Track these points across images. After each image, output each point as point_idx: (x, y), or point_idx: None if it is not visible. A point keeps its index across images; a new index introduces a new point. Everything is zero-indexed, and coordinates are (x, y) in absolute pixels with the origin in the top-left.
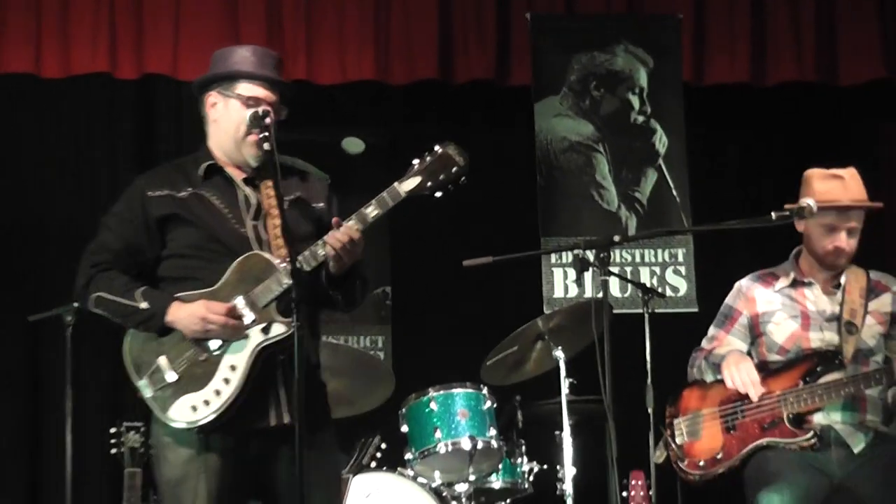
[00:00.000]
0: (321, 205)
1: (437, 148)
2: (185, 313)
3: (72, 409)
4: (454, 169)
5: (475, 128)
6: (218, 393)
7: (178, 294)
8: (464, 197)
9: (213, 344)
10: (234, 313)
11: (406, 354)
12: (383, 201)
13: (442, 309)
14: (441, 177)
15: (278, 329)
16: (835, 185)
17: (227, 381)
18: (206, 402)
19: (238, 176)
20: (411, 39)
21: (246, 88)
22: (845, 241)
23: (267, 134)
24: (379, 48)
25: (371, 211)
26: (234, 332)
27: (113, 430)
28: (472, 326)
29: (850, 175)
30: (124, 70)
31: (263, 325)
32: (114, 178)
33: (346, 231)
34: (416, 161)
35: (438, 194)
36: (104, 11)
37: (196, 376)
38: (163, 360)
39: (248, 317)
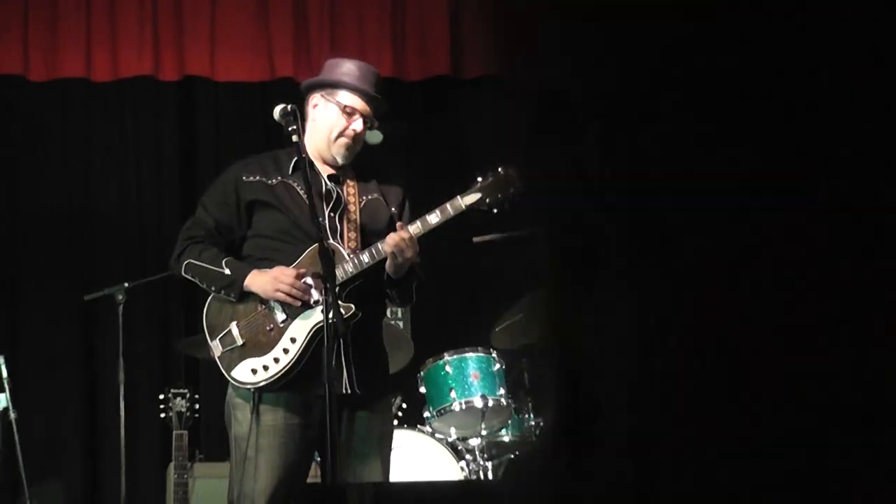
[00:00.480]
0: (393, 208)
1: (499, 168)
2: (261, 280)
3: (123, 378)
4: (511, 189)
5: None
6: (276, 360)
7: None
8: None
9: (280, 316)
10: (304, 280)
11: (423, 324)
12: (446, 211)
13: (455, 282)
14: (499, 195)
15: (339, 311)
16: None
17: (286, 350)
18: (266, 368)
19: (325, 171)
20: (425, 39)
21: (345, 97)
22: None
23: (295, 128)
24: (396, 47)
25: (433, 218)
26: (300, 296)
27: (161, 397)
28: (482, 297)
29: None
30: (167, 73)
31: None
32: (158, 172)
33: (404, 233)
34: (479, 178)
35: (495, 210)
36: (148, 20)
37: (260, 343)
38: (234, 326)
39: (315, 296)
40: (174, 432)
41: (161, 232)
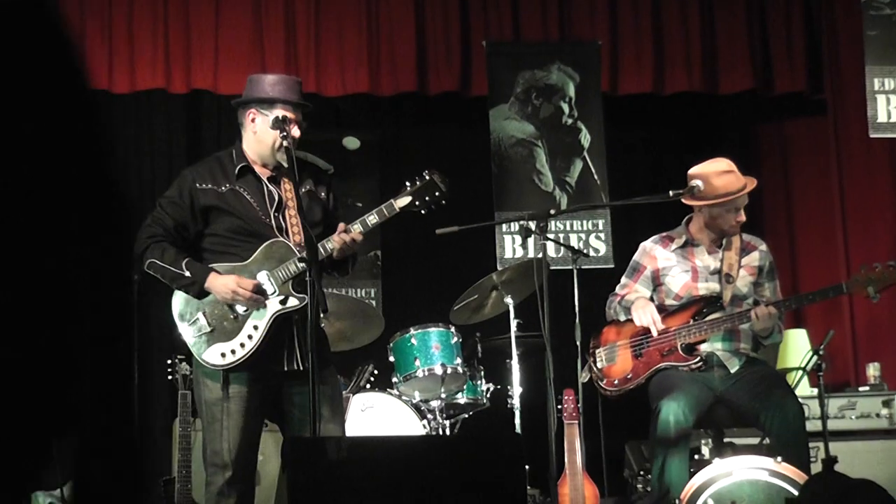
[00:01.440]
0: (323, 194)
1: (425, 174)
2: (220, 283)
3: (138, 347)
4: (437, 193)
5: (444, 128)
6: (242, 346)
7: (215, 265)
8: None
9: (241, 308)
10: (258, 289)
11: (392, 302)
12: (381, 213)
13: (420, 267)
14: (427, 198)
15: (293, 301)
16: (731, 178)
17: (250, 336)
18: (233, 352)
19: (264, 174)
20: (395, 61)
21: (282, 111)
22: (744, 216)
23: (286, 134)
24: (371, 67)
25: (371, 219)
26: (255, 303)
27: (169, 362)
28: (442, 280)
29: (732, 165)
30: (176, 86)
31: (282, 297)
32: (169, 172)
33: (350, 234)
34: (408, 183)
35: (423, 212)
36: (160, 40)
37: (226, 330)
38: (201, 315)
39: (270, 289)
40: (179, 392)
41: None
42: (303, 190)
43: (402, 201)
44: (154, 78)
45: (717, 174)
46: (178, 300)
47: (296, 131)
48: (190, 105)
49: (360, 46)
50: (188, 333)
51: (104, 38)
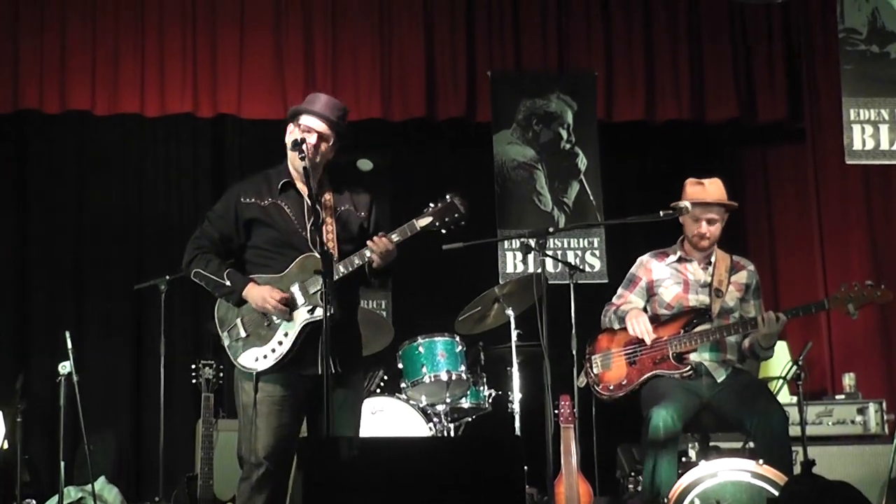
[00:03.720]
0: (363, 214)
1: (447, 196)
2: (256, 293)
3: (164, 351)
4: (457, 215)
5: (451, 151)
6: (274, 351)
7: (254, 276)
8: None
9: (274, 317)
10: (287, 300)
11: (402, 313)
12: (404, 231)
13: (427, 280)
14: (447, 219)
15: (320, 312)
16: (698, 189)
17: (280, 343)
18: (265, 356)
19: (304, 190)
20: (406, 88)
21: (304, 119)
22: (706, 228)
23: (304, 154)
24: (383, 94)
25: (394, 237)
26: (282, 314)
27: (193, 367)
28: (448, 292)
29: (711, 182)
30: (203, 110)
31: (310, 307)
32: (195, 190)
33: (385, 242)
34: (431, 204)
35: (444, 231)
36: (189, 67)
37: (260, 336)
38: (239, 322)
39: (301, 300)
40: (203, 395)
41: None
42: (341, 208)
43: (424, 221)
44: (183, 102)
45: (691, 183)
46: (220, 307)
47: (312, 138)
48: (215, 128)
49: (373, 75)
50: (227, 338)
51: (136, 63)
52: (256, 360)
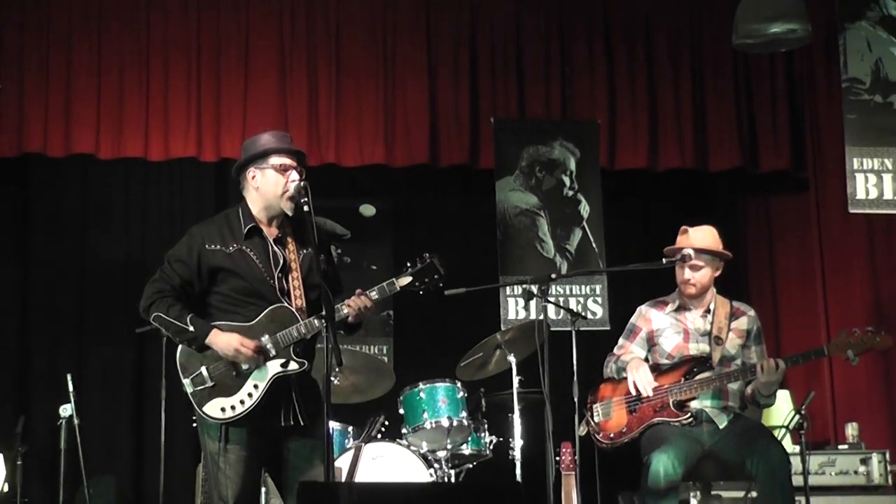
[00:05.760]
0: (322, 256)
1: (426, 256)
2: (223, 340)
3: (165, 394)
4: (436, 276)
5: (454, 198)
6: (242, 402)
7: (217, 323)
8: (446, 247)
9: (244, 365)
10: (260, 350)
11: (403, 358)
12: (383, 290)
13: (429, 326)
14: (426, 280)
15: (293, 366)
16: (683, 238)
17: (250, 395)
18: (233, 407)
19: (271, 235)
20: (409, 135)
21: (276, 160)
22: (690, 274)
23: (307, 199)
24: (387, 140)
25: (373, 294)
26: (255, 362)
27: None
28: (450, 338)
29: (698, 230)
30: (207, 154)
31: (283, 360)
32: None
33: (363, 301)
34: (409, 264)
35: (421, 292)
36: (193, 113)
37: (227, 386)
38: (204, 370)
39: (272, 351)
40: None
41: None
42: (304, 252)
43: (403, 281)
44: (186, 146)
45: (680, 232)
46: (182, 352)
47: (294, 175)
48: (219, 172)
49: (376, 120)
50: (189, 385)
51: (141, 108)
52: (223, 409)
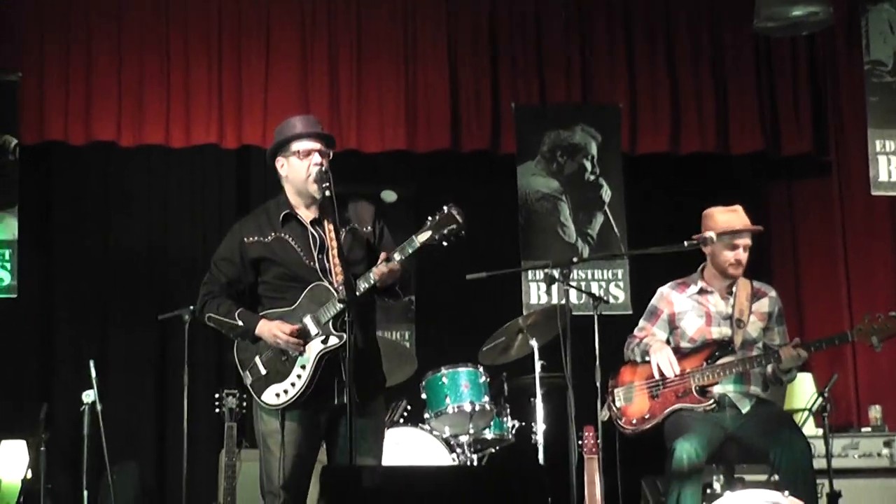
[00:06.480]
0: (368, 228)
1: (444, 208)
2: (266, 329)
3: (187, 381)
4: (455, 226)
5: (476, 183)
6: (293, 385)
7: (265, 312)
8: (468, 231)
9: (291, 350)
10: (299, 332)
11: (425, 343)
12: (404, 249)
13: (451, 311)
14: (445, 231)
15: (333, 340)
16: (732, 216)
17: (299, 376)
18: (286, 392)
19: (307, 218)
20: (431, 120)
21: (298, 145)
22: (742, 255)
23: (328, 184)
24: (409, 126)
25: (397, 256)
26: (295, 346)
27: (217, 396)
28: (472, 323)
29: (740, 209)
30: (228, 141)
31: (323, 336)
32: (220, 221)
33: (387, 266)
34: (429, 218)
35: (445, 244)
36: (215, 100)
37: (279, 372)
38: (257, 359)
39: (314, 330)
40: (226, 424)
41: None
42: (346, 228)
43: (423, 236)
44: (208, 133)
45: (721, 212)
46: (239, 347)
47: (316, 158)
48: (240, 159)
49: (398, 106)
50: (248, 377)
51: (162, 95)
52: (277, 395)
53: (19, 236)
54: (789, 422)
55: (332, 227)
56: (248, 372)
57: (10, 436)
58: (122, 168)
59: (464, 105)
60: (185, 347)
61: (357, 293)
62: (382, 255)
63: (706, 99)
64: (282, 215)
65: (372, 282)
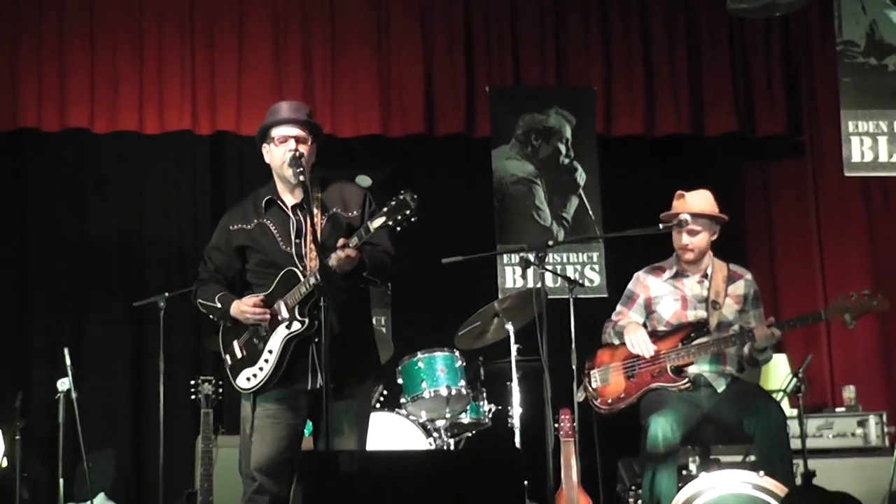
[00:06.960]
0: (354, 212)
1: (400, 194)
2: (235, 307)
3: (163, 367)
4: (408, 212)
5: (451, 167)
6: (261, 369)
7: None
8: (443, 216)
9: (262, 333)
10: (264, 304)
11: (401, 328)
12: (360, 235)
13: (427, 295)
14: (399, 217)
15: (296, 325)
16: (680, 202)
17: (266, 361)
18: (255, 375)
19: (290, 202)
20: (405, 105)
21: (277, 132)
22: (688, 239)
23: (301, 169)
24: (382, 110)
25: (353, 241)
26: (261, 318)
27: (192, 383)
28: (448, 307)
29: (695, 193)
30: (202, 128)
31: (288, 322)
32: (194, 206)
33: (343, 252)
34: (386, 204)
35: (398, 229)
36: (188, 86)
37: (252, 356)
38: (235, 343)
39: (284, 314)
40: (202, 411)
41: (196, 254)
42: (327, 214)
43: (377, 222)
44: (181, 119)
45: (676, 197)
46: (222, 332)
47: (290, 144)
48: (214, 145)
49: (372, 91)
50: (227, 362)
51: (135, 82)
52: (248, 379)
53: None
54: (762, 393)
55: (318, 205)
56: (227, 355)
57: None
58: (96, 154)
59: (438, 89)
60: (160, 334)
61: (321, 279)
62: (340, 241)
63: (681, 81)
64: (264, 201)
65: (333, 265)
